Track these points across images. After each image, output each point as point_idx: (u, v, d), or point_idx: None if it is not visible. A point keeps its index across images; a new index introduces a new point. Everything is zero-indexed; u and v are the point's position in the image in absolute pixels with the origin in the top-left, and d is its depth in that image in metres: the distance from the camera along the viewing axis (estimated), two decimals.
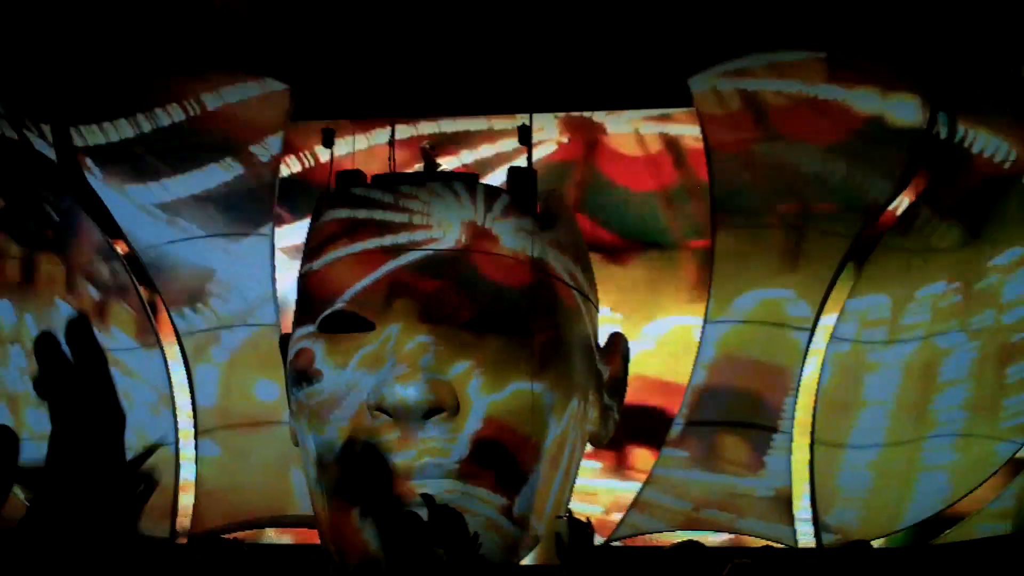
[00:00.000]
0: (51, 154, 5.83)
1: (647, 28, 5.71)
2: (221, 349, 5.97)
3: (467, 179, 5.24)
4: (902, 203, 5.48)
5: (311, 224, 5.23)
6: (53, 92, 5.79)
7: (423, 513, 3.64)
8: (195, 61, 5.81)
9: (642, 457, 5.79)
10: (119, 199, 5.89)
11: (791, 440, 5.55)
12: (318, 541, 4.99)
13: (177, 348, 5.89)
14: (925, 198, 5.48)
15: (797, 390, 5.55)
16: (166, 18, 5.77)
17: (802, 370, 5.55)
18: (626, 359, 5.45)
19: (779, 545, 5.52)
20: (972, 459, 5.46)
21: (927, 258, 5.55)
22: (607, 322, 5.62)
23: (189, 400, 5.87)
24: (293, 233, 5.95)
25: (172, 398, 5.88)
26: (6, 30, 5.67)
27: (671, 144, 5.88)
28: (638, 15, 5.68)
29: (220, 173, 5.92)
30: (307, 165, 6.10)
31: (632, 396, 5.54)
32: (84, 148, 5.82)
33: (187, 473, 5.88)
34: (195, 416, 5.88)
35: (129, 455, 2.75)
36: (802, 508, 5.52)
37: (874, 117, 5.49)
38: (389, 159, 5.66)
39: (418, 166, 5.61)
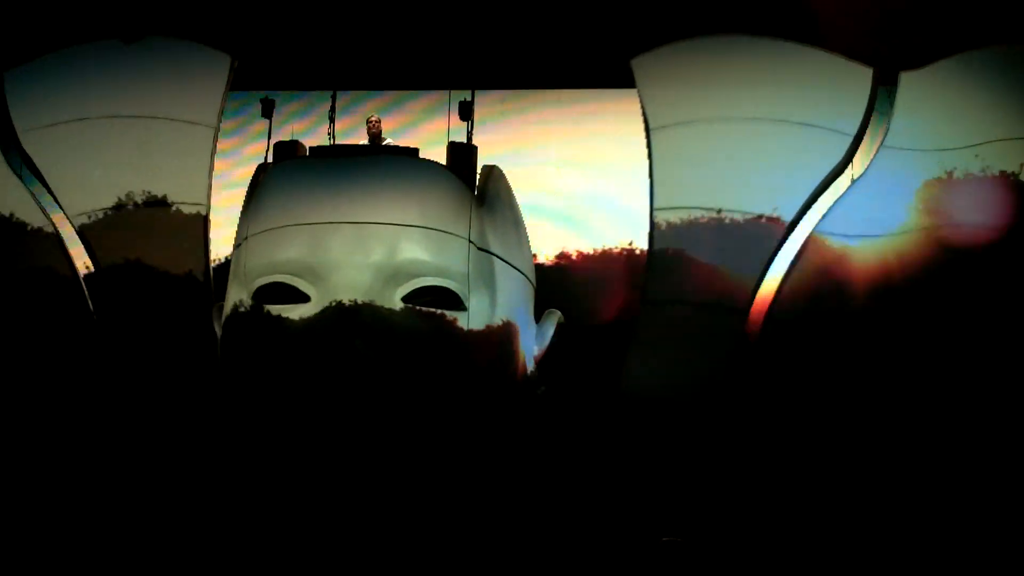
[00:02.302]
0: None
1: (590, 10, 5.72)
2: None
3: (407, 153, 5.21)
4: None
5: (247, 194, 5.16)
6: None
7: None
8: (135, 27, 5.73)
9: None
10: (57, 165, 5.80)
11: None
12: None
13: None
14: None
15: None
16: None
17: None
18: (558, 337, 5.40)
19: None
20: None
21: None
22: None
23: None
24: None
25: None
26: None
27: None
28: None
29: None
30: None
31: None
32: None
33: None
34: None
35: None
36: None
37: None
38: (329, 133, 5.62)
39: (362, 140, 5.59)
